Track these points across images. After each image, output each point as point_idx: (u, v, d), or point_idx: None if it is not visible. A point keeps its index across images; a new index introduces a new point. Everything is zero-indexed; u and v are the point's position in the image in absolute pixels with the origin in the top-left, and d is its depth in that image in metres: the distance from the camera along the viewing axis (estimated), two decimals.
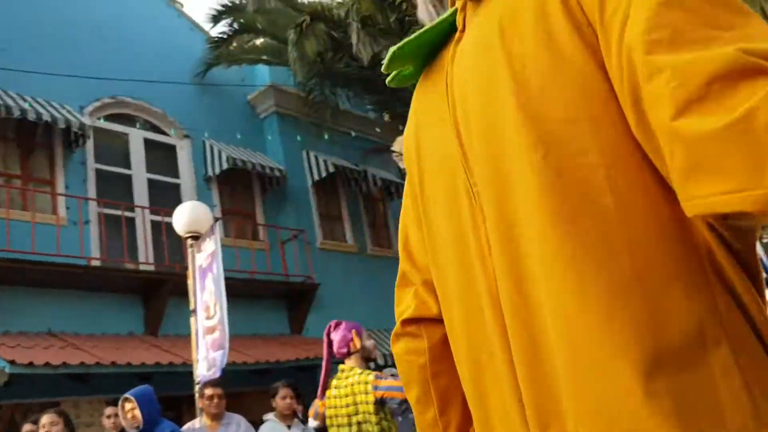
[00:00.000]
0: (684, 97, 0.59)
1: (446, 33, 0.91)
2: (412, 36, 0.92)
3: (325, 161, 13.34)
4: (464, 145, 0.79)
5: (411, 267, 0.98)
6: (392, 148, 11.09)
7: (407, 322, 0.98)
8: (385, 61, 0.95)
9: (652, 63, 0.62)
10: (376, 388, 3.74)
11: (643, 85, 0.63)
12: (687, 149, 0.58)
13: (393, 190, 14.98)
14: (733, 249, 0.67)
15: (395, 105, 12.65)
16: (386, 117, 14.16)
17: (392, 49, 0.94)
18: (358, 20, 10.72)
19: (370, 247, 14.49)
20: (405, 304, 1.00)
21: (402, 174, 15.92)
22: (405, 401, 3.62)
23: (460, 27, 0.87)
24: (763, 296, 0.67)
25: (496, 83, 0.74)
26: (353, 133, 13.98)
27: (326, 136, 12.66)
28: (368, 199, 15.15)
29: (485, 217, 0.76)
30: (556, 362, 0.68)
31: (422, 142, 0.90)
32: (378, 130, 14.76)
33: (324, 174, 13.29)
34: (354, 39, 10.42)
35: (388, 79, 0.97)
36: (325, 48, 11.89)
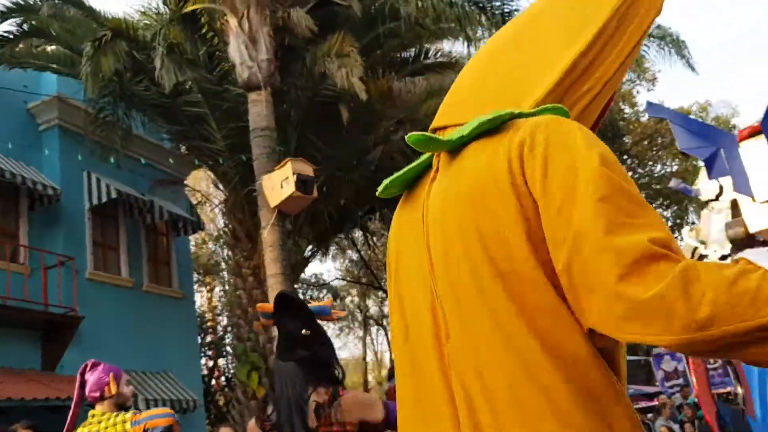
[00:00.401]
0: (621, 272, 0.85)
1: (424, 167, 1.16)
2: (401, 173, 1.17)
3: (108, 185, 12.45)
4: (433, 263, 1.04)
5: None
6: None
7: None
8: (380, 188, 1.19)
9: (602, 243, 0.87)
10: (135, 423, 3.52)
11: (587, 257, 0.88)
12: (626, 305, 0.85)
13: (180, 226, 14.35)
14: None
15: (194, 138, 12.25)
16: (182, 149, 13.64)
17: (386, 181, 1.18)
18: (165, 46, 10.31)
19: (147, 283, 13.65)
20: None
21: (192, 209, 15.35)
22: (169, 427, 3.47)
23: (434, 169, 1.11)
24: None
25: (460, 235, 0.99)
26: (143, 161, 13.26)
27: (112, 160, 11.83)
28: (151, 231, 14.34)
29: (445, 312, 1.01)
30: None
31: (401, 249, 1.15)
32: (171, 161, 14.15)
33: (105, 199, 12.38)
34: (158, 64, 9.98)
35: (379, 190, 1.21)
36: (125, 67, 11.25)
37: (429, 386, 1.02)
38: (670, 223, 23.13)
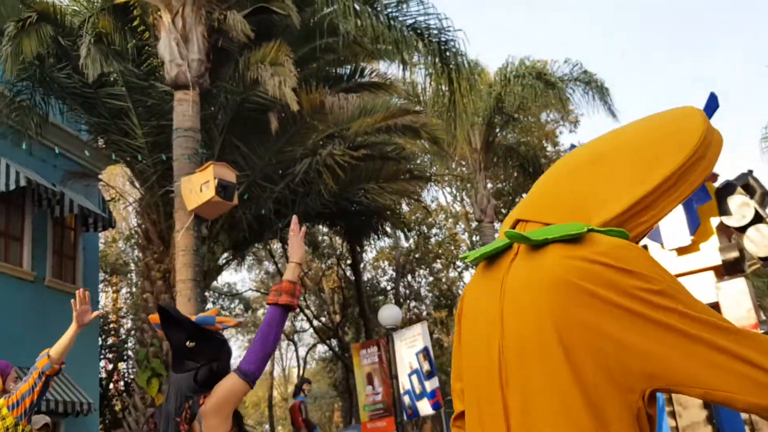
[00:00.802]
0: None
1: (504, 248, 1.36)
2: (486, 249, 1.39)
3: (17, 173, 11.84)
4: (504, 325, 1.27)
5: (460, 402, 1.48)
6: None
7: (456, 417, 1.52)
8: (468, 256, 1.42)
9: None
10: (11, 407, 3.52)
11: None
12: None
13: (90, 221, 13.78)
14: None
15: (113, 132, 11.82)
16: (100, 142, 13.14)
17: (473, 252, 1.41)
18: (93, 34, 9.95)
19: (50, 277, 13.01)
20: (456, 410, 1.52)
21: (104, 205, 14.77)
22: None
23: (515, 252, 1.32)
24: None
25: (536, 314, 1.21)
26: (58, 150, 12.68)
27: (25, 146, 11.27)
28: (59, 224, 13.71)
29: (508, 367, 1.24)
30: None
31: (473, 305, 1.40)
32: (87, 153, 13.61)
33: (12, 186, 11.76)
34: (83, 52, 9.60)
35: (466, 257, 1.44)
36: (48, 52, 10.79)
37: (489, 415, 1.29)
38: None
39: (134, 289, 19.23)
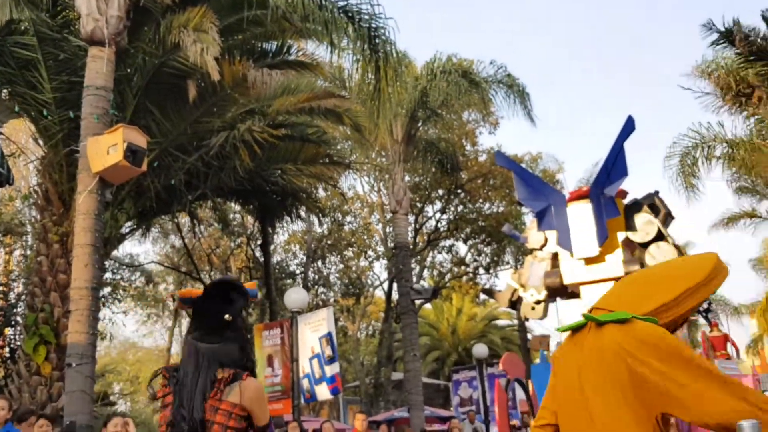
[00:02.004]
0: None
1: (583, 324, 2.28)
2: (572, 324, 2.30)
3: None
4: (581, 375, 2.17)
5: (551, 405, 2.42)
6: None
7: (542, 427, 2.43)
8: (561, 328, 2.41)
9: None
10: None
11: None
12: None
13: None
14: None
15: (19, 83, 11.11)
16: (4, 93, 12.33)
17: (565, 325, 2.36)
18: None
19: None
20: (541, 420, 2.44)
21: (3, 160, 13.84)
22: None
23: (589, 328, 2.22)
24: None
25: (600, 369, 2.12)
26: None
27: None
28: None
29: (587, 399, 2.14)
30: None
31: (562, 361, 2.34)
32: None
33: None
34: None
35: (559, 328, 2.48)
36: None
37: (576, 425, 2.25)
38: (488, 260, 24.52)
39: (29, 252, 18.24)
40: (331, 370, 11.63)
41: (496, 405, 10.32)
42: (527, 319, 10.84)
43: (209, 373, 2.50)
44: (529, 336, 23.79)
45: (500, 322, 38.58)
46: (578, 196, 10.33)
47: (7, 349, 18.07)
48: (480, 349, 19.67)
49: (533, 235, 10.82)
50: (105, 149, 8.48)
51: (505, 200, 22.04)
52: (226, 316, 2.62)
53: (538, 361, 13.78)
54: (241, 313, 2.73)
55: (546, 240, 10.56)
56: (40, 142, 12.08)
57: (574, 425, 2.24)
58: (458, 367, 23.41)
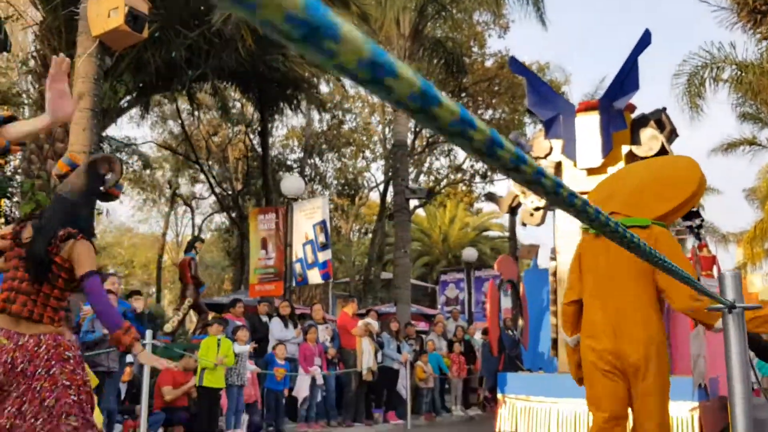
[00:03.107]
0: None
1: None
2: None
3: None
4: (609, 265, 3.53)
5: (577, 287, 3.77)
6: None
7: (570, 303, 3.83)
8: (589, 230, 3.61)
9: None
10: None
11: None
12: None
13: None
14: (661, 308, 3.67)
15: None
16: None
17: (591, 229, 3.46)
18: None
19: None
20: (570, 298, 3.83)
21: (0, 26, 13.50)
22: None
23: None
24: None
25: (626, 260, 3.38)
26: None
27: None
28: None
29: (613, 281, 3.56)
30: (622, 323, 3.50)
31: (589, 251, 3.68)
32: None
33: None
34: None
35: (583, 228, 3.80)
36: None
37: (598, 310, 3.60)
38: (485, 167, 24.51)
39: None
40: (324, 256, 11.84)
41: (488, 302, 10.61)
42: (525, 225, 11.02)
43: (55, 228, 3.03)
44: (519, 246, 24.15)
45: (491, 233, 39.05)
46: (587, 107, 10.30)
47: (2, 220, 18.28)
48: (469, 253, 20.04)
49: (539, 143, 10.85)
50: (106, 12, 8.27)
51: (508, 107, 21.80)
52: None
53: (528, 267, 14.09)
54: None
55: (551, 149, 10.61)
56: (39, 5, 11.75)
57: (603, 301, 3.51)
58: (447, 268, 23.87)
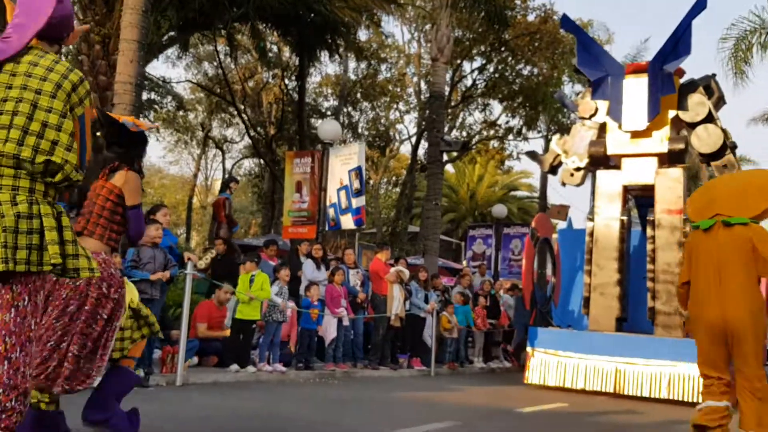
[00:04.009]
0: None
1: (712, 224, 4.71)
2: (705, 223, 4.72)
3: None
4: (719, 256, 4.60)
5: (688, 273, 4.85)
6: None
7: (683, 285, 4.89)
8: (701, 225, 4.76)
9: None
10: None
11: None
12: None
13: None
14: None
15: None
16: None
17: (701, 224, 4.74)
18: None
19: None
20: (683, 280, 4.89)
21: None
22: None
23: (718, 226, 4.68)
24: None
25: (736, 251, 4.57)
26: None
27: None
28: None
29: (721, 269, 4.60)
30: (730, 299, 4.51)
31: (700, 246, 4.71)
32: None
33: None
34: None
35: (693, 225, 4.96)
36: None
37: (710, 288, 4.59)
38: (521, 123, 24.28)
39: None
40: (357, 202, 11.90)
41: (524, 259, 10.68)
42: (564, 184, 11.00)
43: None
44: (549, 206, 24.05)
45: (519, 193, 38.84)
46: (636, 69, 10.14)
47: None
48: (499, 210, 20.01)
49: (585, 104, 10.73)
50: None
51: (548, 63, 21.42)
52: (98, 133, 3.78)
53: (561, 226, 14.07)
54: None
55: (596, 110, 10.50)
56: None
57: (715, 282, 4.48)
58: (475, 224, 23.87)
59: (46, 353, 3.20)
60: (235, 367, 7.89)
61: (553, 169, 11.24)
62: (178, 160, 43.10)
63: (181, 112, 27.71)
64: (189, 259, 7.12)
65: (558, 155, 10.99)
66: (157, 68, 42.30)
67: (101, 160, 3.49)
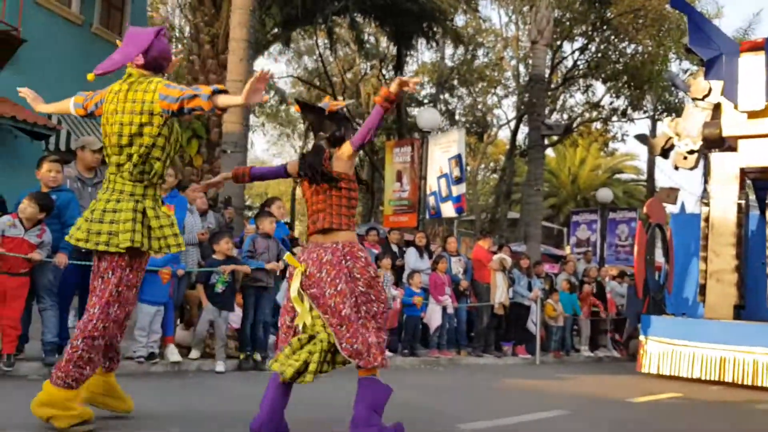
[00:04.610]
0: None
1: None
2: None
3: None
4: None
5: None
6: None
7: None
8: None
9: None
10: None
11: None
12: None
13: None
14: None
15: None
16: None
17: None
18: None
19: (97, 24, 12.94)
20: None
21: None
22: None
23: None
24: None
25: None
26: None
27: None
28: None
29: None
30: None
31: None
32: None
33: None
34: None
35: None
36: None
37: None
38: (626, 103, 23.41)
39: (180, 55, 19.13)
40: (458, 190, 11.93)
41: (636, 245, 10.40)
42: (677, 168, 10.59)
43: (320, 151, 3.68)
44: (657, 189, 23.11)
45: (624, 176, 37.49)
46: (752, 46, 9.63)
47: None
48: (604, 194, 19.44)
49: (697, 84, 10.28)
50: None
51: (653, 40, 20.52)
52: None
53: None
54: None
55: (710, 90, 10.04)
56: None
57: None
58: (579, 209, 23.31)
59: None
60: None
61: (665, 153, 10.84)
62: (281, 153, 44.32)
63: (283, 106, 28.55)
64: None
65: (670, 138, 10.58)
66: (260, 65, 43.70)
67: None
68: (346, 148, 3.65)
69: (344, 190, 3.64)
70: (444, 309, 9.60)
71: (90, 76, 3.49)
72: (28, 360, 5.47)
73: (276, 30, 13.77)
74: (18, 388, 4.81)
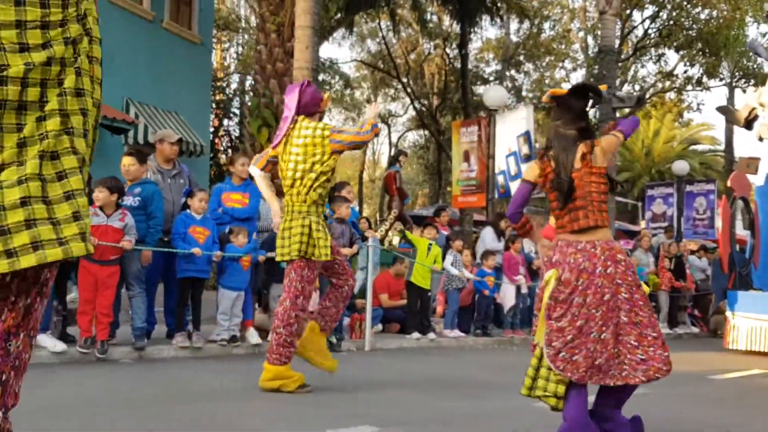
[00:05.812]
0: None
1: None
2: None
3: None
4: None
5: None
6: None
7: None
8: None
9: None
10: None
11: None
12: None
13: None
14: None
15: None
16: None
17: None
18: None
19: (167, 20, 13.32)
20: None
21: None
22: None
23: None
24: None
25: None
26: None
27: None
28: None
29: None
30: None
31: None
32: None
33: None
34: None
35: None
36: None
37: None
38: (701, 71, 22.49)
39: (241, 49, 19.53)
40: (527, 168, 11.76)
41: (721, 219, 10.08)
42: (761, 139, 10.17)
43: (570, 149, 3.34)
44: (737, 159, 22.16)
45: (700, 147, 36.07)
46: None
47: (227, 140, 20.16)
48: (680, 166, 18.76)
49: None
50: None
51: (729, 4, 19.60)
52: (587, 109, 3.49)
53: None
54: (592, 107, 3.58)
55: None
56: None
57: None
58: (654, 183, 22.61)
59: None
60: (416, 334, 8.23)
61: (749, 124, 10.40)
62: None
63: (348, 91, 28.71)
64: (370, 233, 7.50)
65: (754, 109, 10.14)
66: (325, 50, 44.02)
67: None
68: (604, 145, 3.40)
69: (603, 186, 3.32)
70: (518, 288, 9.54)
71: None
72: (120, 345, 5.76)
73: (339, 15, 13.84)
74: (112, 371, 5.09)
